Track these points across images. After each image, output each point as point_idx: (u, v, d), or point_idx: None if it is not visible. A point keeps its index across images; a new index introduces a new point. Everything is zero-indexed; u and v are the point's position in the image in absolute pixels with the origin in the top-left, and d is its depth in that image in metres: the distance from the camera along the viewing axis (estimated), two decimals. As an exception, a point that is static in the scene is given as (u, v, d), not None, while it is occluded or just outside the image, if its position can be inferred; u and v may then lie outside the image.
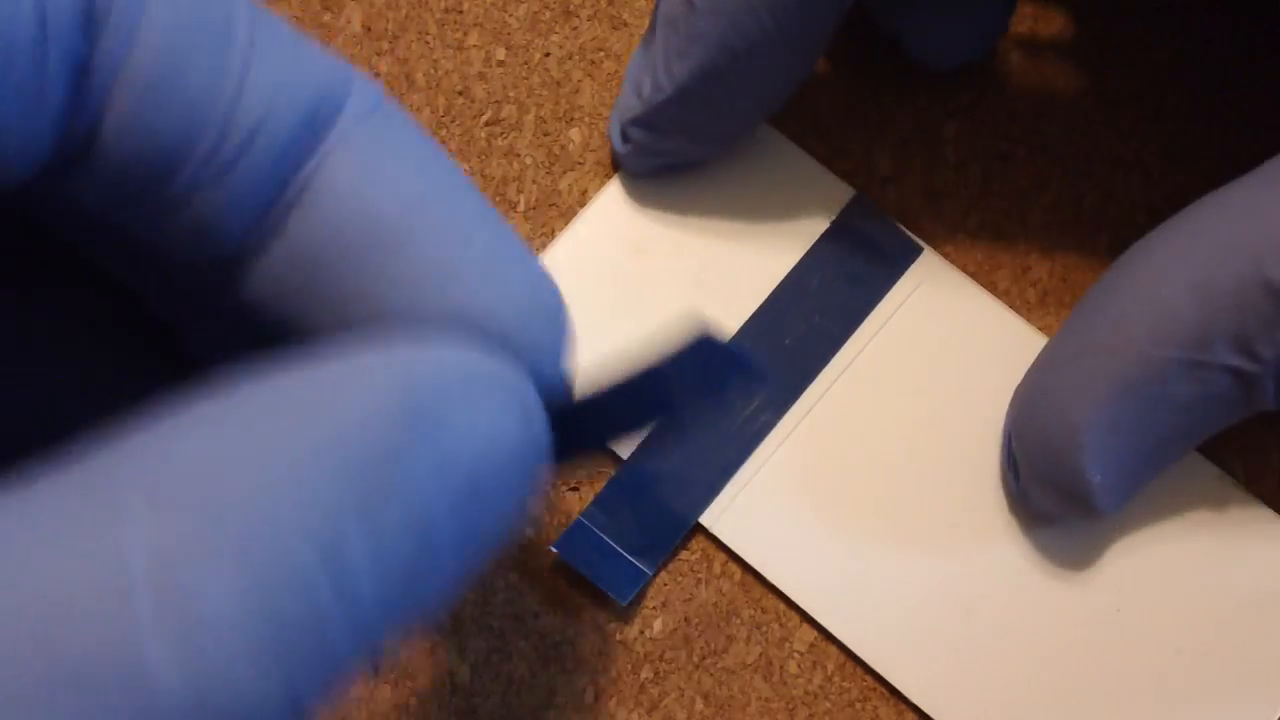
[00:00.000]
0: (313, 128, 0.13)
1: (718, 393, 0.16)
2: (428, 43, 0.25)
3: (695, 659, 0.23)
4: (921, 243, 0.25)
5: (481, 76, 0.25)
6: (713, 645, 0.23)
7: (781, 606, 0.23)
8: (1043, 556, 0.23)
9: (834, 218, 0.25)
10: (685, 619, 0.23)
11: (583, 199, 0.25)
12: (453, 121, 0.25)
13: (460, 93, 0.25)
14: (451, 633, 0.23)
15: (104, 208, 0.13)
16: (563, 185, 0.25)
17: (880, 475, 0.23)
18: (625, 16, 0.26)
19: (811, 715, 0.23)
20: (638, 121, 0.23)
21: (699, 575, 0.23)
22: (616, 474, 0.23)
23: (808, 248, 0.24)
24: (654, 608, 0.23)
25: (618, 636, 0.23)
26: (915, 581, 0.23)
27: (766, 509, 0.23)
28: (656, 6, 0.23)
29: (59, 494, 0.10)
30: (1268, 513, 0.23)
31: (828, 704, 0.23)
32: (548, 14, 0.26)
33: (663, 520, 0.23)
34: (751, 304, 0.24)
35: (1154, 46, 0.26)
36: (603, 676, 0.23)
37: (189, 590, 0.10)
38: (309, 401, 0.12)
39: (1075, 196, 0.25)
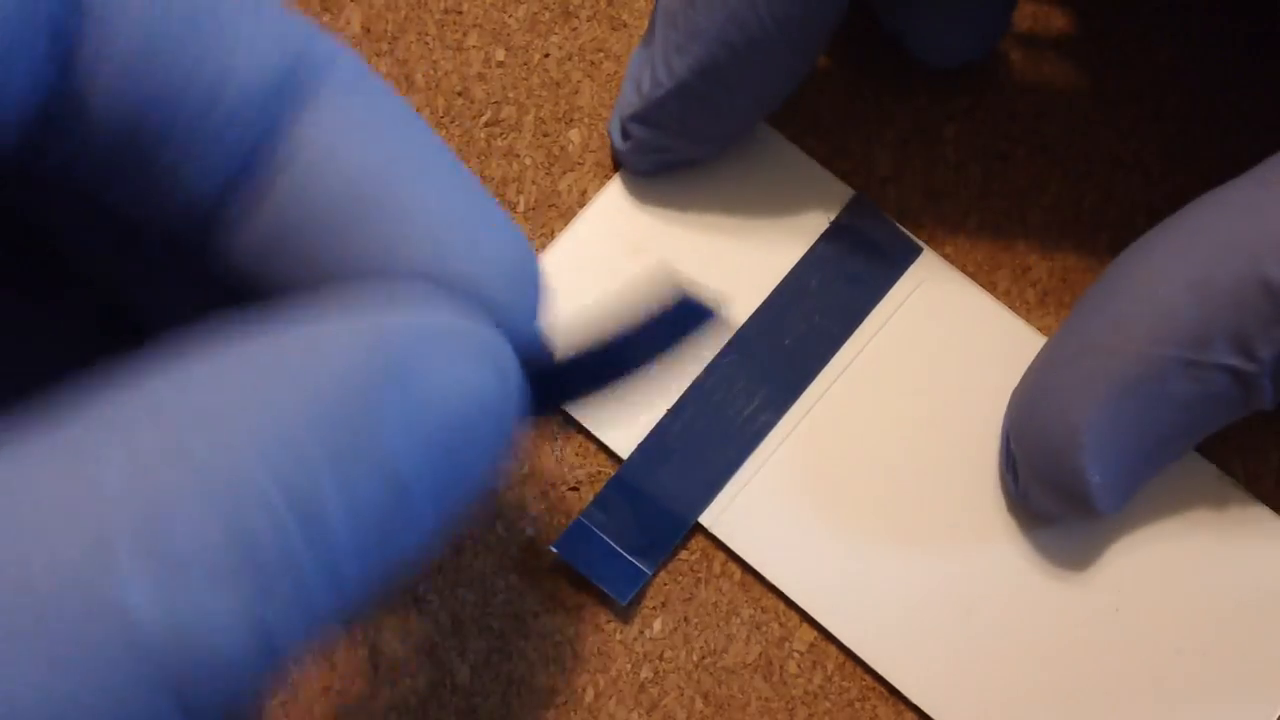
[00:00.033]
0: (288, 91, 0.13)
1: (687, 344, 0.16)
2: (427, 43, 0.25)
3: (695, 659, 0.23)
4: (921, 243, 0.25)
5: (481, 77, 0.25)
6: (712, 645, 0.23)
7: (781, 606, 0.23)
8: (1043, 556, 0.23)
9: (834, 218, 0.25)
10: (685, 619, 0.23)
11: (582, 199, 0.25)
12: (452, 122, 0.25)
13: (460, 93, 0.25)
14: (451, 633, 0.23)
15: (86, 172, 0.13)
16: (562, 186, 0.25)
17: (880, 475, 0.23)
18: (625, 17, 0.26)
19: (811, 715, 0.23)
20: (637, 117, 0.23)
21: (699, 575, 0.23)
22: (616, 474, 0.23)
23: (807, 248, 0.24)
24: (654, 607, 0.23)
25: (618, 636, 0.23)
26: (915, 581, 0.23)
27: (766, 509, 0.23)
28: (656, 3, 0.23)
29: (38, 441, 0.11)
30: (1267, 512, 0.23)
31: (827, 704, 0.23)
32: (547, 15, 0.26)
33: (663, 520, 0.23)
34: (751, 304, 0.24)
35: (1154, 46, 0.26)
36: (603, 676, 0.23)
37: (166, 533, 0.10)
38: (284, 355, 0.12)
39: (1075, 196, 0.25)
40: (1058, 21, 0.26)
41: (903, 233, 0.25)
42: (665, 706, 0.23)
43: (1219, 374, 0.20)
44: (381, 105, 0.14)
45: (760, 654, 0.23)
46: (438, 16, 0.26)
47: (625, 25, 0.26)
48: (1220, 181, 0.21)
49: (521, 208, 0.25)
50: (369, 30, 0.25)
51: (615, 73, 0.25)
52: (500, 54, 0.26)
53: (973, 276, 0.25)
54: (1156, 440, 0.21)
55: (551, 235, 0.25)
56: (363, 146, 0.14)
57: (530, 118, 0.25)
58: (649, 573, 0.23)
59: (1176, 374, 0.20)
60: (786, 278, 0.24)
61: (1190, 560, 0.23)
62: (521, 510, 0.23)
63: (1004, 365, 0.24)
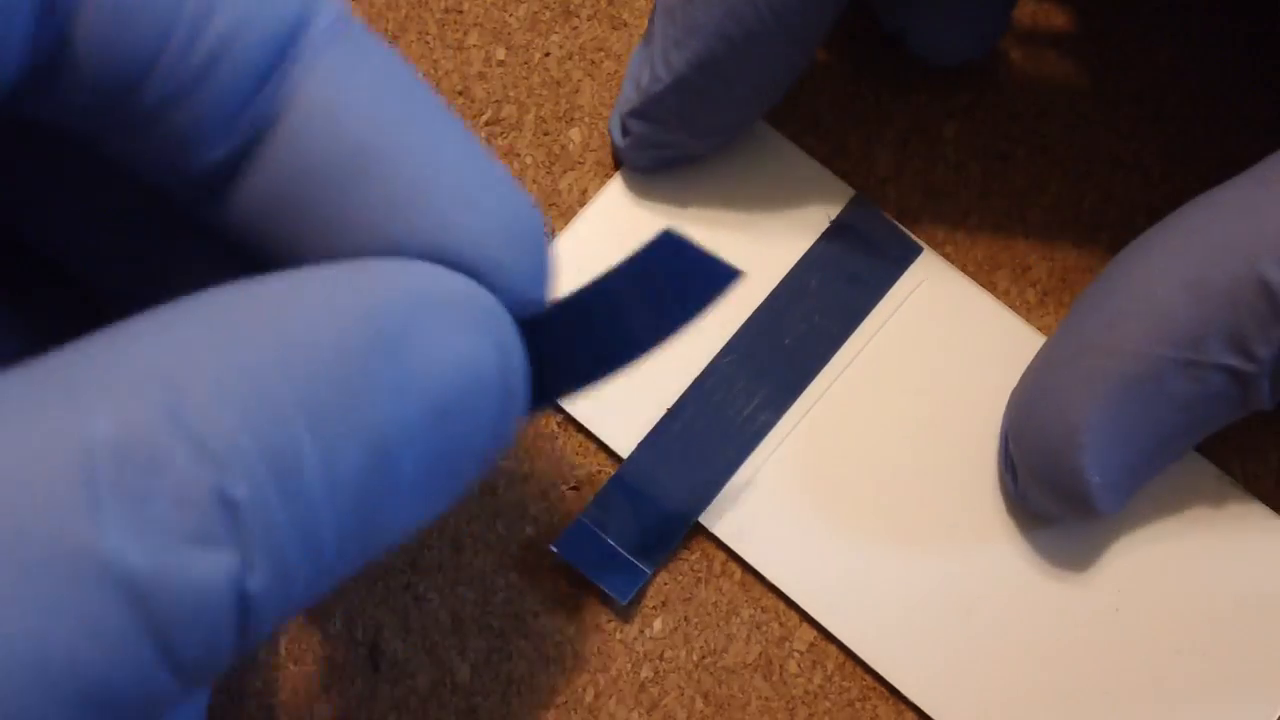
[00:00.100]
0: (282, 45, 0.13)
1: (690, 295, 0.16)
2: (428, 43, 0.25)
3: (695, 658, 0.23)
4: (921, 243, 0.25)
5: (481, 76, 0.25)
6: (712, 644, 0.23)
7: (781, 606, 0.23)
8: (1042, 556, 0.23)
9: (834, 218, 0.25)
10: (685, 618, 0.23)
11: (583, 199, 0.25)
12: (453, 121, 0.25)
13: (460, 92, 0.25)
14: (451, 632, 0.23)
15: (80, 122, 0.13)
16: (563, 185, 0.25)
17: (880, 475, 0.23)
18: (625, 16, 0.26)
19: (811, 715, 0.23)
20: (636, 113, 0.23)
21: (699, 575, 0.23)
22: (616, 474, 0.23)
23: (807, 247, 0.24)
24: (654, 607, 0.23)
25: (618, 636, 0.23)
26: (915, 581, 0.23)
27: (766, 509, 0.23)
28: (656, 0, 0.23)
29: (23, 386, 0.11)
30: (1267, 512, 0.23)
31: (827, 703, 0.23)
32: (548, 14, 0.26)
33: (663, 520, 0.23)
34: (751, 304, 0.24)
35: (1154, 46, 0.26)
36: (603, 676, 0.23)
37: (149, 489, 0.10)
38: (272, 312, 0.12)
39: (1075, 197, 0.25)
40: (1058, 21, 0.26)
41: (903, 232, 0.25)
42: (665, 706, 0.23)
43: (1217, 374, 0.20)
44: (380, 64, 0.14)
45: (760, 654, 0.23)
46: (438, 15, 0.26)
47: (626, 24, 0.26)
48: (1220, 182, 0.21)
49: (521, 207, 0.25)
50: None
51: (616, 72, 0.25)
52: (501, 53, 0.26)
53: (973, 276, 0.25)
54: (1155, 440, 0.21)
55: (551, 235, 0.25)
56: (364, 104, 0.14)
57: (531, 117, 0.25)
58: (649, 572, 0.23)
59: (1175, 374, 0.20)
60: (786, 277, 0.24)
61: (1190, 560, 0.23)
62: (521, 510, 0.23)
63: (1004, 365, 0.24)
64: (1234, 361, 0.19)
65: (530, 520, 0.23)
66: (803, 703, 0.23)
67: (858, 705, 0.23)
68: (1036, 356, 0.22)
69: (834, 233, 0.24)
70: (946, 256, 0.25)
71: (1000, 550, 0.23)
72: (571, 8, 0.26)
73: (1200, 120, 0.26)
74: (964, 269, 0.25)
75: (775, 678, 0.23)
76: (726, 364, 0.24)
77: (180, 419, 0.11)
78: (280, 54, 0.13)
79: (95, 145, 0.14)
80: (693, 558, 0.23)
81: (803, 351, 0.24)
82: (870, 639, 0.23)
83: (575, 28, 0.26)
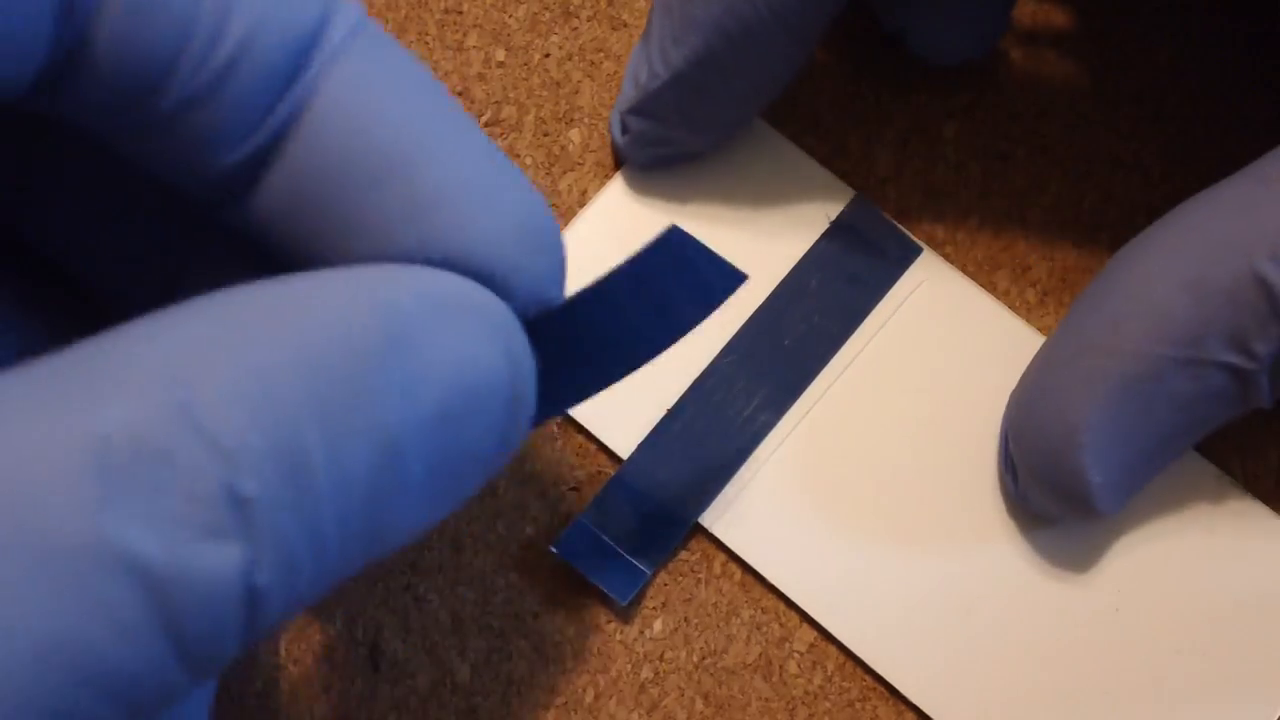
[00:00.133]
0: (302, 48, 0.13)
1: (696, 297, 0.16)
2: (427, 44, 0.25)
3: (695, 659, 0.23)
4: (921, 243, 0.25)
5: (481, 77, 0.25)
6: (712, 645, 0.23)
7: (781, 606, 0.23)
8: (1042, 556, 0.23)
9: (834, 218, 0.25)
10: (685, 619, 0.23)
11: (583, 199, 0.25)
12: (453, 122, 0.25)
13: (460, 93, 0.25)
14: (451, 632, 0.23)
15: (98, 121, 0.13)
16: (562, 186, 0.25)
17: (880, 475, 0.23)
18: (625, 17, 0.26)
19: (811, 715, 0.23)
20: (635, 109, 0.23)
21: (699, 575, 0.23)
22: (616, 474, 0.23)
23: (807, 248, 0.24)
24: (654, 608, 0.23)
25: (618, 636, 0.23)
26: (915, 581, 0.23)
27: (766, 509, 0.23)
28: None
29: (39, 380, 0.11)
30: (1267, 512, 0.23)
31: (827, 704, 0.23)
32: (547, 15, 0.26)
33: (662, 520, 0.23)
34: (751, 304, 0.24)
35: (1154, 46, 0.26)
36: (603, 676, 0.23)
37: (160, 482, 0.11)
38: (284, 312, 0.12)
39: (1075, 197, 0.25)
40: (1058, 21, 0.26)
41: (903, 233, 0.25)
42: (665, 707, 0.23)
43: (1217, 372, 0.20)
44: (399, 66, 0.14)
45: (760, 654, 0.23)
46: (438, 16, 0.26)
47: (625, 25, 0.26)
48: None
49: (521, 208, 0.25)
50: (369, 30, 0.25)
51: (615, 73, 0.26)
52: (500, 54, 0.26)
53: (973, 276, 0.25)
54: (1156, 440, 0.21)
55: (551, 235, 0.25)
56: (384, 107, 0.14)
57: (530, 118, 0.25)
58: (649, 573, 0.23)
59: (1174, 373, 0.20)
60: (786, 278, 0.24)
61: (1190, 560, 0.23)
62: (521, 510, 0.23)
63: (1004, 365, 0.24)
64: (1234, 359, 0.19)
65: (530, 520, 0.23)
66: (803, 703, 0.23)
67: (858, 705, 0.23)
68: (1036, 356, 0.22)
69: (834, 233, 0.24)
70: (946, 256, 0.25)
71: (1000, 550, 0.23)
72: (571, 9, 0.26)
73: (1200, 120, 0.26)
74: (964, 269, 0.25)
75: (775, 678, 0.23)
76: (726, 364, 0.24)
77: (192, 416, 0.11)
78: (301, 57, 0.13)
79: (112, 145, 0.14)
80: (693, 558, 0.23)
81: (803, 351, 0.24)
82: (870, 639, 0.23)
83: (575, 29, 0.26)
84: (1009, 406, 0.23)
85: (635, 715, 0.22)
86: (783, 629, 0.23)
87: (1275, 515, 0.23)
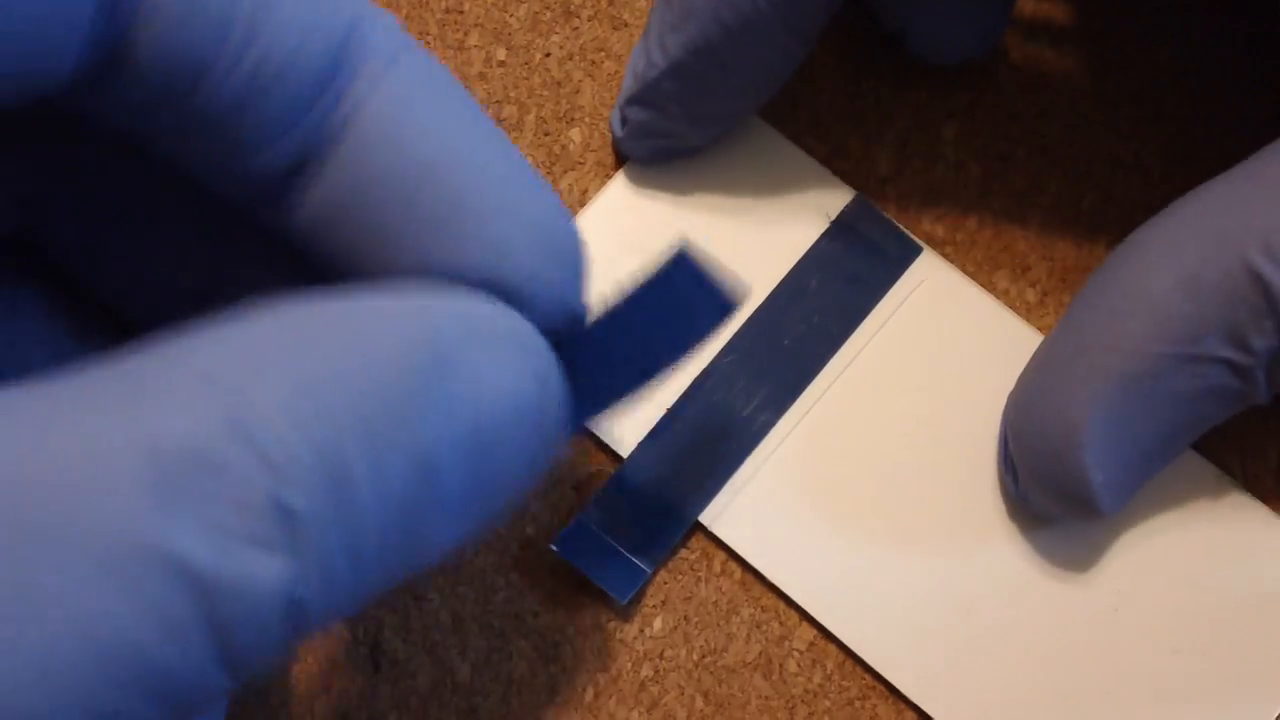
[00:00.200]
0: (335, 52, 0.14)
1: (704, 319, 0.16)
2: (428, 43, 0.26)
3: (695, 657, 0.23)
4: (921, 243, 0.25)
5: (482, 77, 0.25)
6: (712, 644, 0.23)
7: (781, 605, 0.23)
8: (1042, 556, 0.23)
9: (834, 218, 0.25)
10: (685, 618, 0.23)
11: (583, 199, 0.25)
12: (453, 122, 0.25)
13: (461, 93, 0.25)
14: (452, 631, 0.23)
15: (135, 121, 0.14)
16: (563, 185, 0.25)
17: (880, 475, 0.23)
18: (626, 17, 0.26)
19: (811, 714, 0.23)
20: (634, 100, 0.23)
21: (699, 574, 0.23)
22: (616, 473, 0.23)
23: (807, 248, 0.24)
24: (654, 606, 0.23)
25: (617, 635, 0.23)
26: (915, 581, 0.23)
27: (766, 508, 0.23)
28: None
29: (91, 386, 0.11)
30: (1267, 512, 0.23)
31: (827, 702, 0.23)
32: (548, 14, 0.26)
33: (662, 519, 0.23)
34: (751, 304, 0.24)
35: (1154, 47, 0.26)
36: (602, 675, 0.23)
37: (208, 479, 0.11)
38: (333, 328, 0.12)
39: (1075, 197, 0.25)
40: (1058, 21, 0.26)
41: (903, 233, 0.25)
42: (665, 705, 0.23)
43: (1216, 367, 0.20)
44: (437, 82, 0.15)
45: (760, 653, 0.23)
46: (439, 16, 0.26)
47: (626, 25, 0.26)
48: (1220, 181, 0.21)
49: (522, 207, 0.25)
50: (370, 30, 0.25)
51: (616, 72, 0.26)
52: (501, 53, 0.26)
53: (973, 276, 0.25)
54: (1156, 438, 0.21)
55: (552, 235, 0.25)
56: (425, 123, 0.14)
57: (531, 117, 0.25)
58: (649, 572, 0.23)
59: (1174, 370, 0.20)
60: (786, 278, 0.24)
61: (1190, 560, 0.23)
62: (521, 509, 0.23)
63: (1004, 365, 0.24)
64: (1231, 355, 0.19)
65: (530, 520, 0.23)
66: (802, 702, 0.23)
67: (857, 704, 0.23)
68: (1035, 356, 0.22)
69: (834, 233, 0.24)
70: (946, 256, 0.25)
71: (1000, 550, 0.23)
72: (572, 8, 0.26)
73: (1200, 120, 0.26)
74: (964, 269, 0.25)
75: (775, 677, 0.23)
76: (726, 364, 0.24)
77: (245, 428, 0.11)
78: (335, 62, 0.14)
79: (150, 145, 0.14)
80: (693, 557, 0.23)
81: (803, 351, 0.24)
82: (870, 638, 0.23)
83: (576, 28, 0.26)
84: (1009, 406, 0.23)
85: (635, 714, 0.22)
86: (782, 627, 0.23)
87: (1275, 515, 0.23)
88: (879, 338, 0.24)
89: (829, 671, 0.23)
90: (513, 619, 0.23)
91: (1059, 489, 0.21)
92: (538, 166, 0.25)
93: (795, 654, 0.23)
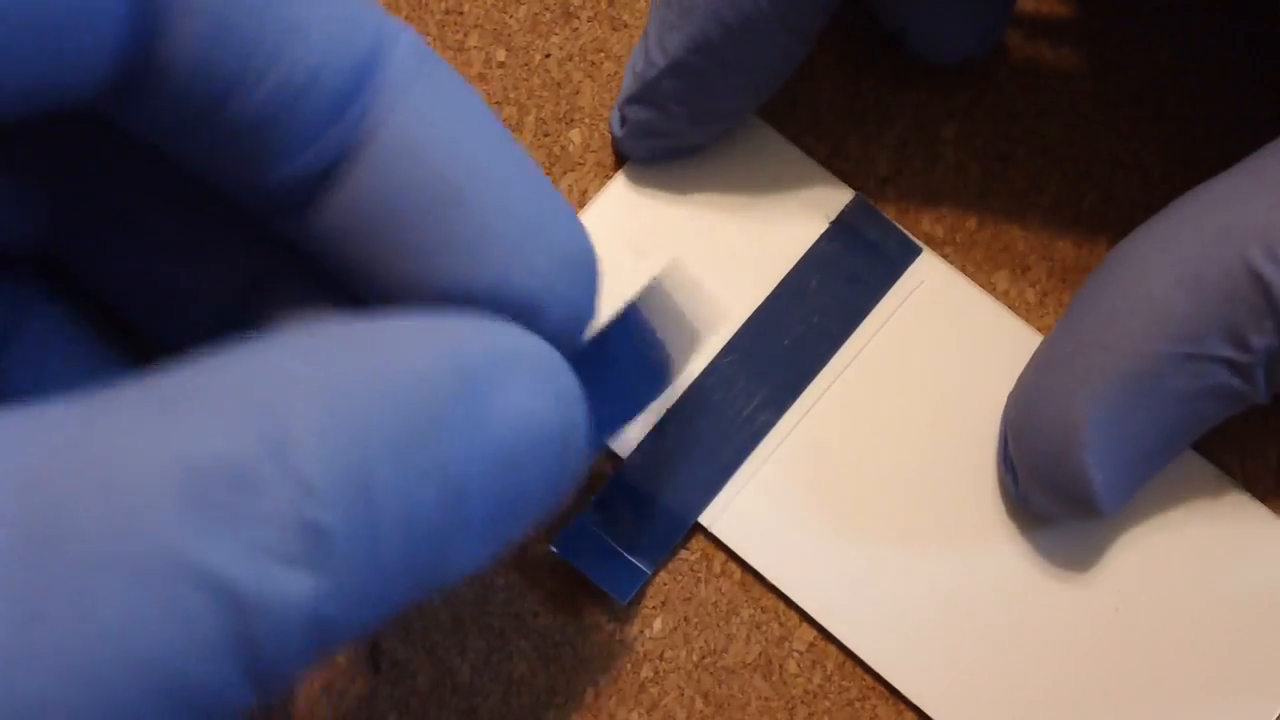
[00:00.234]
0: (360, 71, 0.14)
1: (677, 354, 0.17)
2: (427, 44, 0.26)
3: (695, 658, 0.23)
4: (920, 243, 0.25)
5: (481, 78, 0.25)
6: (712, 644, 0.23)
7: (781, 606, 0.23)
8: (1042, 556, 0.23)
9: (833, 218, 0.25)
10: (685, 618, 0.23)
11: (583, 200, 0.25)
12: (453, 122, 0.25)
13: (461, 94, 0.25)
14: (451, 632, 0.23)
15: (162, 132, 0.14)
16: (563, 186, 0.25)
17: (880, 475, 0.23)
18: (625, 18, 0.26)
19: (811, 714, 0.23)
20: (633, 98, 0.23)
21: (699, 574, 0.23)
22: (616, 473, 0.23)
23: (807, 248, 0.24)
24: (654, 607, 0.23)
25: (617, 636, 0.23)
26: (915, 581, 0.23)
27: (766, 508, 0.23)
28: None
29: (128, 403, 0.11)
30: (1267, 512, 0.23)
31: (827, 703, 0.23)
32: (548, 15, 0.26)
33: (662, 520, 0.23)
34: (751, 304, 0.24)
35: (1154, 47, 0.26)
36: (602, 676, 0.23)
37: (242, 496, 0.11)
38: (366, 352, 0.13)
39: (1075, 197, 0.25)
40: (1058, 21, 0.26)
41: (902, 233, 0.25)
42: (665, 706, 0.23)
43: (1215, 366, 0.20)
44: (460, 99, 0.15)
45: (760, 653, 0.23)
46: (438, 17, 0.26)
47: (626, 25, 0.26)
48: (1220, 181, 0.21)
49: (522, 208, 0.25)
50: (370, 31, 0.26)
51: (616, 73, 0.26)
52: (501, 54, 0.26)
53: (973, 276, 0.25)
54: (1156, 437, 0.21)
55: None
56: (446, 140, 0.14)
57: (531, 118, 0.25)
58: (649, 572, 0.23)
59: (1174, 369, 0.20)
60: (786, 278, 0.24)
61: (1190, 560, 0.23)
62: (521, 510, 0.23)
63: (1004, 365, 0.24)
64: (1231, 354, 0.19)
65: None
66: (802, 702, 0.23)
67: (857, 705, 0.23)
68: (1035, 355, 0.22)
69: (834, 233, 0.24)
70: (946, 256, 0.25)
71: (1000, 550, 0.23)
72: (572, 9, 0.26)
73: (1200, 120, 0.26)
74: (964, 269, 0.25)
75: (775, 677, 0.23)
76: (726, 364, 0.24)
77: (277, 446, 0.11)
78: (360, 80, 0.14)
79: (173, 157, 0.15)
80: (693, 558, 0.23)
81: (803, 351, 0.24)
82: (870, 638, 0.23)
83: (575, 29, 0.26)
84: (1008, 406, 0.23)
85: (635, 714, 0.22)
86: (782, 628, 0.23)
87: (1275, 515, 0.23)
88: (879, 338, 0.24)
89: (829, 672, 0.23)
90: (513, 619, 0.23)
91: (1059, 489, 0.21)
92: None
93: (795, 655, 0.23)
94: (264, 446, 0.11)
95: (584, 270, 0.15)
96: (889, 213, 0.25)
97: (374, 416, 0.12)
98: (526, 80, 0.25)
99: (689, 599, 0.23)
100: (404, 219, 0.14)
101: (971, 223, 0.25)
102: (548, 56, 0.26)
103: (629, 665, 0.23)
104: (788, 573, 0.23)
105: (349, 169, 0.14)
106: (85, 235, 0.16)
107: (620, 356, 0.17)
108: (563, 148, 0.25)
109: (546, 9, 0.26)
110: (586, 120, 0.25)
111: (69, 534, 0.10)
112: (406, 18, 0.26)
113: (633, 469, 0.23)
